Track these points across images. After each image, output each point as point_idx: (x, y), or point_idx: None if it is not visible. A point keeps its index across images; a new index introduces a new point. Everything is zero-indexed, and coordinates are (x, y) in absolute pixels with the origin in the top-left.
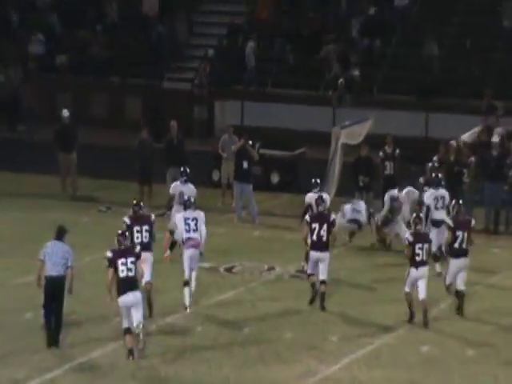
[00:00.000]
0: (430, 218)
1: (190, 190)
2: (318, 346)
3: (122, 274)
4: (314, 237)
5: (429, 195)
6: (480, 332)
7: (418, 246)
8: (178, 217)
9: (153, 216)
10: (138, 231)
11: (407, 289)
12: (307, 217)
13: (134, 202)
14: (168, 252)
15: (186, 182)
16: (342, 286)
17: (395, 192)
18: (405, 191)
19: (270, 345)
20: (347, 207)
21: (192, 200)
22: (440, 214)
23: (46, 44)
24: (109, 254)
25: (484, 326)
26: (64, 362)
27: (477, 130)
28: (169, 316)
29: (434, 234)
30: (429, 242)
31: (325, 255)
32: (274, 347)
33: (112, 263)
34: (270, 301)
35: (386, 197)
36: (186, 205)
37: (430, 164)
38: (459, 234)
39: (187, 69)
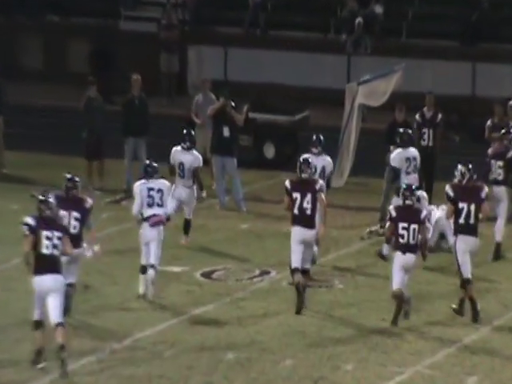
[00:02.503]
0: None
1: (194, 158)
2: (328, 376)
3: (45, 251)
4: (296, 210)
5: (397, 156)
6: None
7: (401, 224)
8: (138, 186)
9: (89, 201)
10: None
11: (396, 285)
12: (287, 183)
13: (68, 175)
14: (185, 237)
15: (189, 148)
16: (360, 295)
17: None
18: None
19: (263, 375)
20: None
21: (186, 167)
22: (411, 181)
23: None
24: (30, 221)
25: None
26: None
27: None
28: (128, 337)
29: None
30: (419, 223)
31: (310, 235)
32: (268, 378)
33: (34, 233)
34: (263, 316)
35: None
36: (148, 172)
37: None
38: (463, 205)
39: (151, 4)
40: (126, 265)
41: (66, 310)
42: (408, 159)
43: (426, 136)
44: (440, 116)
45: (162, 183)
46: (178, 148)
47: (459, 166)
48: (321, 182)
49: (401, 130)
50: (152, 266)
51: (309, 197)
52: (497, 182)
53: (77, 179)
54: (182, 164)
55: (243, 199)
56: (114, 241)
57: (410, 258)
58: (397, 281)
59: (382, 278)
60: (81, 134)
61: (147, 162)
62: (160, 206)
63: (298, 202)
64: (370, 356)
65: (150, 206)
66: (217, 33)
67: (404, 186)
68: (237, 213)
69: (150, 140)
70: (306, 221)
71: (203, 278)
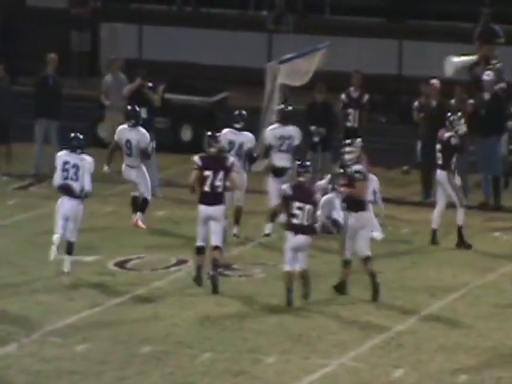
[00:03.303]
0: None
1: (140, 136)
2: (248, 370)
3: None
4: (207, 187)
5: (270, 133)
6: (479, 348)
7: (296, 204)
8: (58, 157)
9: None
10: None
11: (288, 266)
12: (197, 158)
13: None
14: (137, 215)
15: (135, 125)
16: (282, 284)
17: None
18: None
19: (180, 370)
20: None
21: (133, 144)
22: (283, 160)
23: None
24: None
25: (484, 340)
26: None
27: (472, 59)
28: (37, 330)
29: (273, 185)
30: (314, 204)
31: (218, 211)
32: (185, 373)
33: None
34: (180, 307)
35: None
36: (71, 145)
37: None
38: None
39: None
40: (34, 254)
41: None
42: (282, 137)
43: (351, 117)
44: (367, 96)
45: (81, 158)
46: (124, 126)
47: (353, 141)
48: (232, 159)
49: (281, 106)
50: (70, 243)
51: (221, 174)
52: (439, 167)
53: None
54: (128, 142)
55: (159, 185)
56: (22, 229)
57: (304, 238)
58: (288, 259)
59: (325, 265)
60: None
61: (73, 134)
62: (74, 180)
63: (209, 179)
64: (293, 348)
65: (64, 179)
66: (131, 9)
67: (298, 162)
68: (152, 199)
69: (60, 123)
70: (215, 198)
71: (116, 268)
